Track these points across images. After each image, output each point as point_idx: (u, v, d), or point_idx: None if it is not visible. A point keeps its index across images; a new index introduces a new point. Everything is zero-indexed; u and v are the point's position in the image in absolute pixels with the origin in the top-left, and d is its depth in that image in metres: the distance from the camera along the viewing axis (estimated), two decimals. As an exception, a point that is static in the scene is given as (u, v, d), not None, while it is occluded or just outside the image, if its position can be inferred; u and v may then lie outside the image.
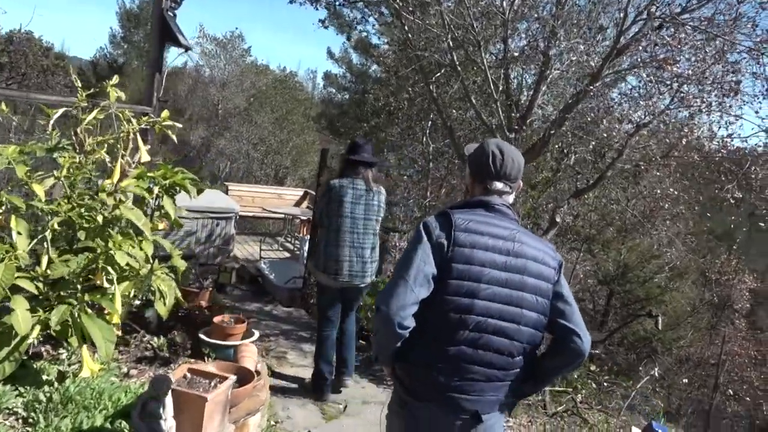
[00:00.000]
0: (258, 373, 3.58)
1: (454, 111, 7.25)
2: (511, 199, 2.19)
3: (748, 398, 12.42)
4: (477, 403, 1.99)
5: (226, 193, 11.39)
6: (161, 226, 4.01)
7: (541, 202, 7.67)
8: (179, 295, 3.75)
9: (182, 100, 24.04)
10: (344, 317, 4.49)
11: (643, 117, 5.75)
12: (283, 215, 11.44)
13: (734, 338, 12.72)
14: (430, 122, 8.92)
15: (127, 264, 3.23)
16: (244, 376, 3.31)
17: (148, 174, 3.72)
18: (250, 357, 3.55)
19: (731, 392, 11.97)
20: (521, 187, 2.32)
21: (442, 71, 6.44)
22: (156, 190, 3.70)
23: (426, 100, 8.61)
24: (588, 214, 8.93)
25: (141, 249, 3.62)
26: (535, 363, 2.08)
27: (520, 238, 2.04)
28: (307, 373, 4.74)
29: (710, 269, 9.28)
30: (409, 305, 1.90)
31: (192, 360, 3.82)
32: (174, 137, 4.00)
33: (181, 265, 4.01)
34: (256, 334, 4.13)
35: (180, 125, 4.09)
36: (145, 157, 3.83)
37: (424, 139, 9.39)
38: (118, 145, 3.67)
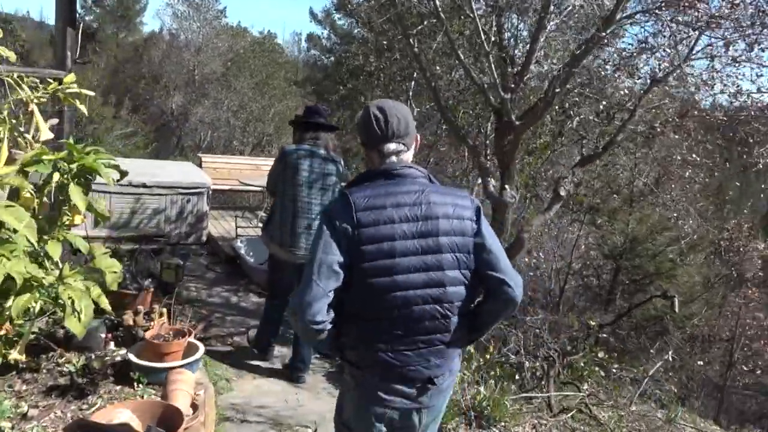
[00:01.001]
0: (195, 407, 2.84)
1: (438, 68, 6.38)
2: (409, 156, 2.09)
3: (758, 371, 11.96)
4: (427, 370, 2.00)
5: (200, 166, 10.64)
6: (77, 220, 3.27)
7: (539, 169, 6.89)
8: (105, 303, 3.03)
9: (156, 67, 22.75)
10: None
11: (658, 70, 4.93)
12: (260, 188, 10.68)
13: (746, 309, 12.17)
14: (413, 83, 8.07)
15: (6, 276, 2.46)
16: (171, 418, 2.57)
17: (48, 157, 2.93)
18: (184, 389, 2.79)
19: (745, 367, 11.53)
20: (419, 139, 2.18)
21: (425, 23, 5.56)
22: (56, 177, 2.89)
23: (407, 58, 7.73)
24: (592, 182, 8.21)
25: (45, 253, 2.94)
26: (473, 313, 2.08)
27: (427, 198, 1.96)
28: (274, 387, 4.12)
29: (721, 237, 8.64)
30: (316, 301, 1.84)
31: (117, 388, 3.08)
32: (84, 109, 3.19)
33: (109, 266, 3.29)
34: (201, 349, 3.37)
35: (92, 93, 3.27)
36: (46, 135, 3.04)
37: (409, 103, 8.53)
38: (6, 122, 2.86)
